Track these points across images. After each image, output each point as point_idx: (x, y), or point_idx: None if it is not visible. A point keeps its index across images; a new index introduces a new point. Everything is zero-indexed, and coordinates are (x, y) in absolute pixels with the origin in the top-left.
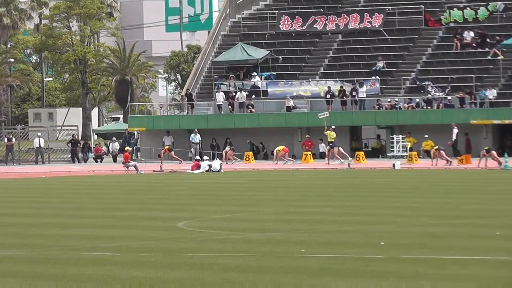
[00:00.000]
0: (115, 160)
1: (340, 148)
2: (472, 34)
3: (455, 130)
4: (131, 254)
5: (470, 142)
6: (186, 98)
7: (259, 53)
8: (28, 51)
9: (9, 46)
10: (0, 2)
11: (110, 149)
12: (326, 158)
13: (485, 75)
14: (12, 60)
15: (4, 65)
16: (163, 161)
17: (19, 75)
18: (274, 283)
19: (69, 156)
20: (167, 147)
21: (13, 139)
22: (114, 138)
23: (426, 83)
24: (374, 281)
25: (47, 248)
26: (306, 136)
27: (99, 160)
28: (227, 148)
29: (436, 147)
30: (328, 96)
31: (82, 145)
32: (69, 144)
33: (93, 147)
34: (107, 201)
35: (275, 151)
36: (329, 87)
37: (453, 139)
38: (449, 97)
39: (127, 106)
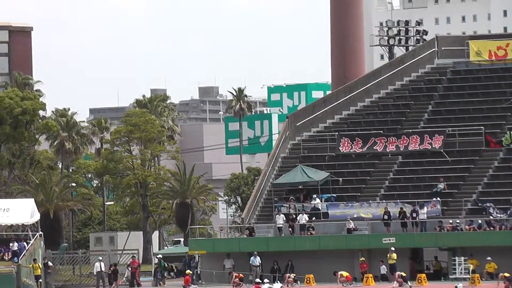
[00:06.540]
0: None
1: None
2: None
3: None
4: None
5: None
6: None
7: (319, 175)
8: (90, 175)
9: (71, 170)
10: (62, 127)
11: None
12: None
13: None
14: (73, 184)
15: (66, 190)
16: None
17: (81, 199)
18: None
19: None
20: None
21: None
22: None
23: (488, 204)
24: None
25: None
26: (361, 259)
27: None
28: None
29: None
30: (386, 217)
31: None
32: (129, 268)
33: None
34: None
35: (338, 274)
36: (386, 208)
37: None
38: None
39: (188, 229)
